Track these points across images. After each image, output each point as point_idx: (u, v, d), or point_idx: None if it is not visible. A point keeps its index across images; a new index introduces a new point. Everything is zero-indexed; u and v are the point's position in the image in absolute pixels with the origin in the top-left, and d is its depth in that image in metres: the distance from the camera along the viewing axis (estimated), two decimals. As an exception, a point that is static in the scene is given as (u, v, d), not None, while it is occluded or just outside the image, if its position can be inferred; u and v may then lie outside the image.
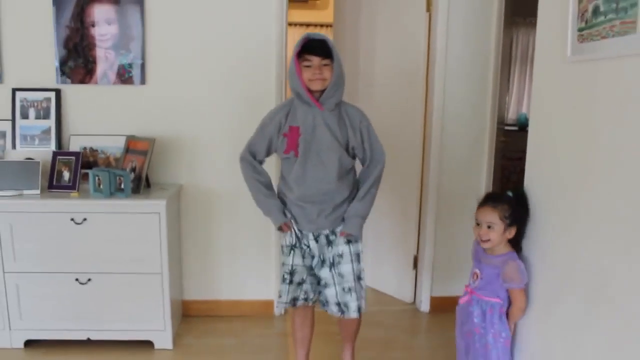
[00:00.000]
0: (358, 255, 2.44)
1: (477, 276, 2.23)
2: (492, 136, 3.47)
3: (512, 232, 2.13)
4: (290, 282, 2.43)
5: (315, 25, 6.73)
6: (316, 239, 2.43)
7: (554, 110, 2.02)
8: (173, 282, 3.07)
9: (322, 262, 2.43)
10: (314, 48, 2.25)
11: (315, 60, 2.25)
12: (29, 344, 3.02)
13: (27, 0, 3.10)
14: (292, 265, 2.42)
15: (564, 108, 1.94)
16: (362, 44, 3.78)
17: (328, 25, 6.38)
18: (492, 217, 2.11)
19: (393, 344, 3.18)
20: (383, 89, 3.68)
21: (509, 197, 2.18)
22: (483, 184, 3.50)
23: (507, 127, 4.85)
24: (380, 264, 3.88)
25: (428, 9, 3.36)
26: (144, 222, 2.88)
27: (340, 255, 2.39)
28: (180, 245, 3.34)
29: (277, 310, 3.40)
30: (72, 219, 2.86)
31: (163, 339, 3.02)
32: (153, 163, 3.20)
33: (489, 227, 2.12)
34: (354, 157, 2.44)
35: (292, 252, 2.43)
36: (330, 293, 2.42)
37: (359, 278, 2.43)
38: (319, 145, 2.32)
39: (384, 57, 3.67)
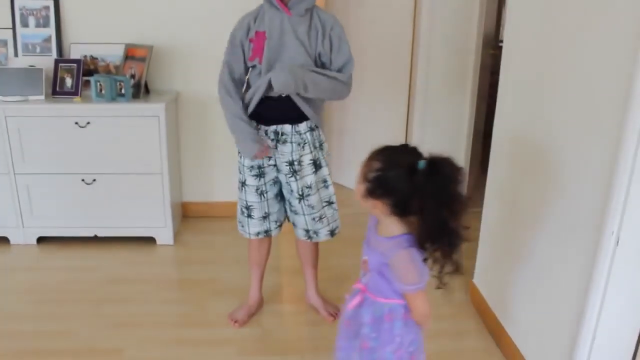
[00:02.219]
0: (325, 181, 2.35)
1: (367, 266, 1.60)
2: (478, 51, 3.53)
3: (377, 206, 1.48)
4: (249, 216, 2.38)
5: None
6: (275, 147, 2.28)
7: (527, 18, 2.14)
8: (173, 184, 3.27)
9: (290, 190, 2.32)
10: None
11: None
12: (41, 240, 3.25)
13: None
14: (247, 202, 2.37)
15: (534, 15, 2.06)
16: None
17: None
18: (360, 170, 1.54)
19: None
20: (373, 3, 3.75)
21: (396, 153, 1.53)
22: (468, 96, 3.62)
23: (500, 43, 4.91)
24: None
25: None
26: (145, 125, 3.04)
27: (309, 187, 2.30)
28: (178, 150, 3.52)
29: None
30: (76, 123, 3.01)
31: (164, 235, 3.26)
32: (151, 70, 3.32)
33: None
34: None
35: (244, 188, 2.35)
36: (299, 220, 2.38)
37: (329, 203, 2.39)
38: (284, 53, 2.16)
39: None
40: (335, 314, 2.52)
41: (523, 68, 2.21)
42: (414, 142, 3.59)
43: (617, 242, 1.56)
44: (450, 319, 2.57)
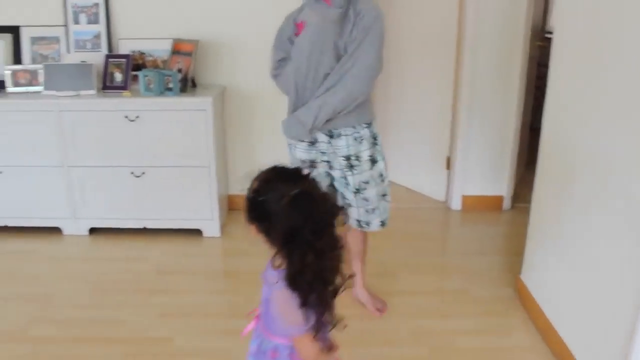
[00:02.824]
0: (381, 175, 2.34)
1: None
2: (526, 42, 3.46)
3: (252, 230, 1.38)
4: None
5: None
6: (328, 142, 2.27)
7: (577, 13, 2.08)
8: (219, 176, 3.31)
9: (346, 184, 2.32)
10: None
11: None
12: (92, 231, 3.35)
13: None
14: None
15: (585, 9, 2.00)
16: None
17: None
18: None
19: (426, 235, 3.40)
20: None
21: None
22: (516, 89, 3.54)
23: (547, 35, 4.80)
24: (415, 165, 4.05)
25: None
26: (192, 119, 3.09)
27: (366, 182, 2.29)
28: (225, 143, 3.56)
29: None
30: (126, 117, 3.09)
31: (211, 228, 3.31)
32: (198, 65, 3.37)
33: None
34: None
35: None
36: (352, 212, 2.39)
37: (383, 196, 2.38)
38: (313, 45, 2.16)
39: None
40: (382, 309, 2.52)
41: (573, 61, 2.16)
42: (460, 135, 3.59)
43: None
44: (496, 315, 2.54)
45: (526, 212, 2.66)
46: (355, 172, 2.27)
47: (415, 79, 3.91)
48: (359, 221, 2.40)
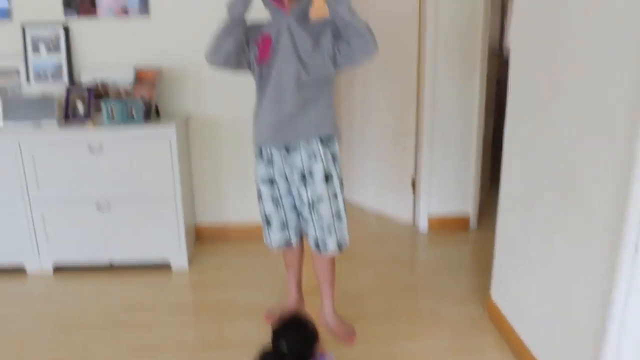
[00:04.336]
0: (335, 195, 2.34)
1: None
2: (484, 61, 3.57)
3: None
4: (269, 224, 2.47)
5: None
6: (284, 158, 2.32)
7: (531, 27, 2.15)
8: (186, 206, 3.28)
9: (301, 200, 2.35)
10: None
11: (286, 1, 2.18)
12: (57, 269, 3.26)
13: (30, -63, 3.18)
14: (265, 211, 2.46)
15: (539, 24, 2.07)
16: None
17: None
18: None
19: (394, 258, 3.41)
20: (377, 11, 3.77)
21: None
22: (476, 108, 3.63)
23: (505, 55, 4.95)
24: (381, 187, 4.08)
25: None
26: (157, 149, 3.06)
27: (320, 197, 2.30)
28: (190, 172, 3.54)
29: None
30: (89, 147, 3.03)
31: (179, 260, 3.26)
32: (161, 93, 3.35)
33: None
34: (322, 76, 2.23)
35: (261, 198, 2.44)
36: (309, 230, 2.40)
37: (338, 216, 2.36)
38: (279, 56, 2.20)
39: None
40: (351, 337, 2.51)
41: (531, 79, 2.22)
42: (424, 156, 3.64)
43: (637, 249, 1.55)
44: (468, 336, 2.55)
45: (493, 230, 2.70)
46: (308, 186, 2.31)
47: (378, 101, 3.96)
48: (316, 241, 2.40)
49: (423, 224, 3.82)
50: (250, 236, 3.62)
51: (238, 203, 3.64)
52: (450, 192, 3.77)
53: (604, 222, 1.70)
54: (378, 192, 4.11)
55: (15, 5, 3.26)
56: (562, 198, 1.97)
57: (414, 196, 3.87)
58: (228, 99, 3.45)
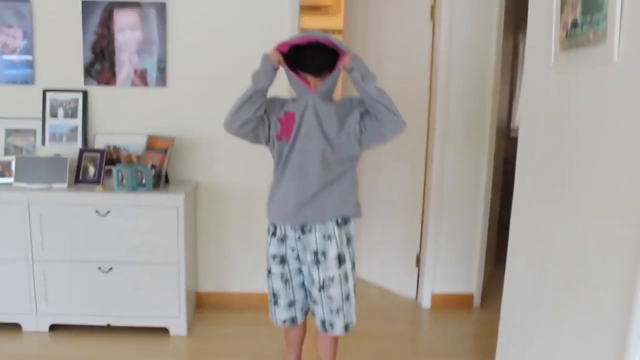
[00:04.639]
0: (346, 276, 2.32)
1: None
2: (492, 141, 3.63)
3: None
4: (276, 303, 2.43)
5: (326, 31, 6.91)
6: (298, 238, 2.30)
7: (540, 114, 2.20)
8: (188, 273, 3.27)
9: (312, 280, 2.31)
10: (307, 59, 2.20)
11: (312, 80, 2.22)
12: (53, 328, 3.23)
13: (58, 8, 3.35)
14: (273, 289, 2.42)
15: (549, 111, 2.12)
16: (371, 50, 3.97)
17: (339, 31, 6.58)
18: None
19: (396, 335, 3.35)
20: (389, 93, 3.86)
21: None
22: (483, 186, 3.67)
23: (513, 134, 5.03)
24: (386, 262, 4.06)
25: (432, 17, 3.56)
26: (164, 216, 3.09)
27: (331, 279, 2.28)
28: (195, 239, 3.55)
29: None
30: (96, 211, 3.07)
31: (178, 326, 3.22)
32: (172, 161, 3.41)
33: None
34: (348, 157, 2.26)
35: (270, 275, 2.40)
36: (317, 310, 2.36)
37: (347, 298, 2.34)
38: (303, 134, 2.22)
39: (391, 62, 3.86)
40: None
41: (538, 159, 2.24)
42: (429, 233, 3.64)
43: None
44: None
45: (496, 310, 2.66)
46: (320, 267, 2.28)
47: (386, 177, 4.01)
48: (323, 322, 2.36)
49: (426, 301, 3.77)
50: (251, 306, 3.59)
51: (241, 273, 3.63)
52: (455, 270, 3.74)
53: (612, 311, 1.67)
54: (382, 266, 4.09)
55: (38, 71, 3.40)
56: (569, 284, 1.95)
57: (418, 272, 3.85)
58: (237, 170, 3.51)
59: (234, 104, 2.20)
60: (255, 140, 2.29)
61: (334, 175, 2.24)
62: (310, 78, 2.21)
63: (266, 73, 2.16)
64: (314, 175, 2.21)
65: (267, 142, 2.29)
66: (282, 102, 2.32)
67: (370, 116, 2.18)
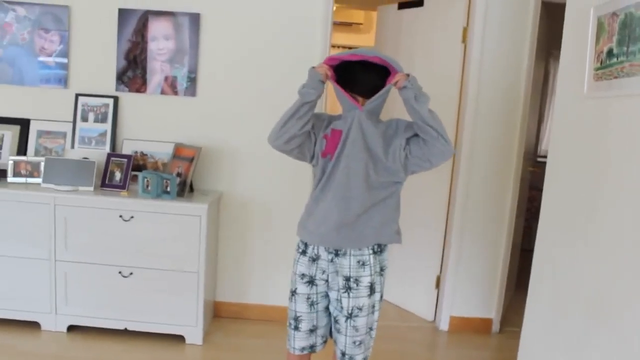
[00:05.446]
0: (374, 307, 2.23)
1: None
2: (518, 165, 3.59)
3: None
4: (297, 328, 2.26)
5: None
6: (331, 260, 2.18)
7: (571, 142, 2.18)
8: (207, 282, 3.28)
9: (340, 307, 2.19)
10: (357, 81, 2.14)
11: (360, 97, 2.14)
12: (71, 328, 3.27)
13: (95, 15, 3.42)
14: (296, 312, 2.26)
15: (580, 140, 2.09)
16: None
17: (369, 50, 6.61)
18: None
19: (412, 357, 3.32)
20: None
21: None
22: (507, 211, 3.63)
23: (539, 159, 4.98)
24: (405, 283, 4.03)
25: (464, 40, 3.55)
26: (186, 224, 3.11)
27: (360, 309, 2.17)
28: (216, 249, 3.57)
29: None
30: (120, 216, 3.11)
31: (194, 335, 3.23)
32: (197, 170, 3.44)
33: None
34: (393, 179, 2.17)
35: (294, 297, 2.25)
36: (340, 340, 2.24)
37: (370, 329, 2.25)
38: (348, 150, 2.12)
39: (420, 83, 3.82)
40: None
41: (566, 187, 2.21)
42: (451, 255, 3.61)
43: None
44: None
45: (514, 336, 2.63)
46: (351, 294, 2.17)
47: (410, 197, 3.97)
48: (343, 354, 2.25)
49: (444, 323, 3.73)
50: (268, 318, 3.60)
51: (260, 285, 3.63)
52: (475, 294, 3.70)
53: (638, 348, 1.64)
54: (401, 287, 4.05)
55: (72, 76, 3.47)
56: (593, 315, 1.91)
57: (438, 294, 3.81)
58: (262, 182, 3.53)
59: (280, 119, 2.11)
60: (300, 156, 2.20)
61: (378, 198, 2.15)
62: (358, 96, 2.15)
63: (313, 86, 2.08)
64: (358, 196, 2.12)
65: (312, 159, 2.21)
66: (330, 118, 2.23)
67: (417, 140, 2.09)
